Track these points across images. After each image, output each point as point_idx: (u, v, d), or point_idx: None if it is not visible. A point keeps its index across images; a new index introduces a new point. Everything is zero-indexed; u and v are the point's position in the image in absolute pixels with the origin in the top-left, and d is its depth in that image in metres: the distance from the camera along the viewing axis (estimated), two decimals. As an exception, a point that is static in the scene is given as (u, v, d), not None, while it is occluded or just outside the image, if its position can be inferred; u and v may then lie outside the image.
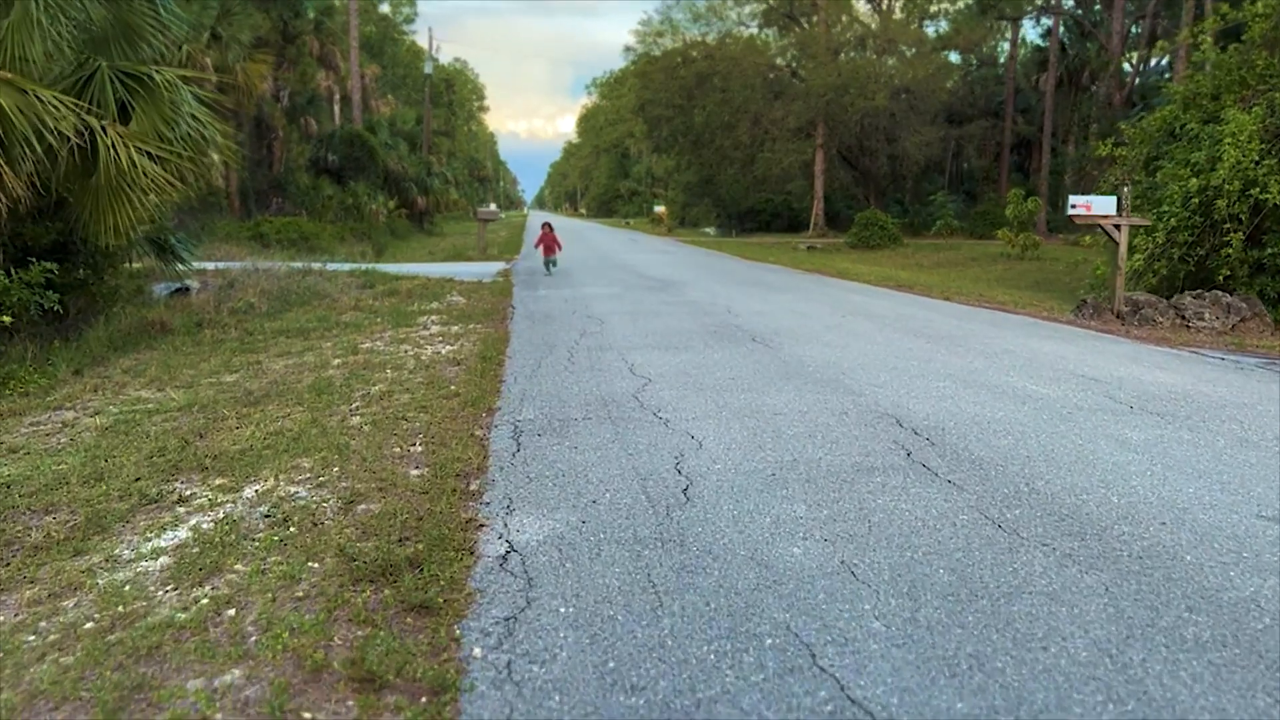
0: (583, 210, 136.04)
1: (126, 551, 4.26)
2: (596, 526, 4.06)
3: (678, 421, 6.23)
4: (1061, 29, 48.26)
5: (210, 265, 18.52)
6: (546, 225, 20.00)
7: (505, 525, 4.09)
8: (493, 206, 51.00)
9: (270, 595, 3.47)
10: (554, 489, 4.65)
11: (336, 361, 9.12)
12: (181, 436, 6.34)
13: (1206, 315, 11.84)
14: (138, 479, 5.37)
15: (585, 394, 7.07)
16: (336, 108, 52.76)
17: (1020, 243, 31.53)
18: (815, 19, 49.68)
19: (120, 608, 3.51)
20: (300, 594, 3.46)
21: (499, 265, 21.79)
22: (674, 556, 3.69)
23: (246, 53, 28.77)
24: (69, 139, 8.74)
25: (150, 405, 7.65)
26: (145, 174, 9.15)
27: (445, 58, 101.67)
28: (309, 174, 42.15)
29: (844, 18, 49.70)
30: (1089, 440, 5.69)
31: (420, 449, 5.60)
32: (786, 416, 6.28)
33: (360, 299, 14.81)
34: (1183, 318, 12.04)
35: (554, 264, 19.47)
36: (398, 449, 5.61)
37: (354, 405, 7.07)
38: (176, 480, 5.33)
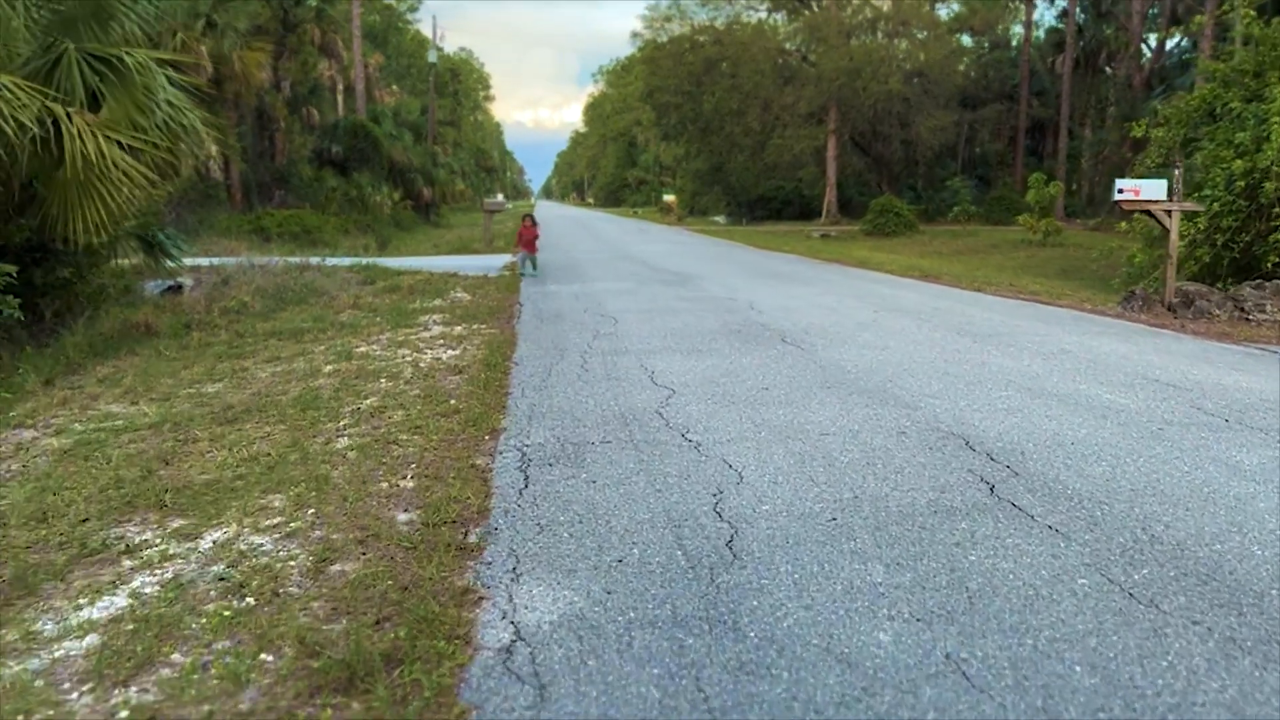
0: (590, 200, 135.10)
1: (50, 626, 3.46)
2: (624, 599, 3.24)
3: (710, 445, 5.40)
4: (1078, 9, 47.09)
5: (205, 261, 17.75)
6: (527, 218, 17.03)
7: (510, 598, 3.27)
8: (500, 197, 50.18)
9: (205, 711, 2.66)
10: (570, 541, 3.83)
11: (328, 369, 8.32)
12: (145, 464, 5.55)
13: (1268, 307, 10.95)
14: (85, 520, 4.59)
15: (602, 409, 6.24)
16: (340, 98, 51.92)
17: (1042, 228, 30.59)
18: (825, 2, 48.60)
19: (15, 724, 2.71)
20: (243, 709, 2.65)
21: (506, 258, 20.96)
22: (727, 649, 2.86)
23: (244, 41, 27.95)
24: (29, 129, 7.93)
25: (119, 422, 6.88)
26: (116, 165, 8.34)
27: (450, 47, 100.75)
28: (312, 166, 41.36)
29: (855, 0, 48.59)
30: (1196, 466, 4.85)
31: (411, 483, 4.79)
32: (835, 437, 5.45)
33: (359, 296, 14.02)
34: (1241, 310, 11.15)
35: (534, 264, 16.50)
36: (385, 484, 4.80)
37: (341, 424, 6.26)
38: (129, 522, 4.53)
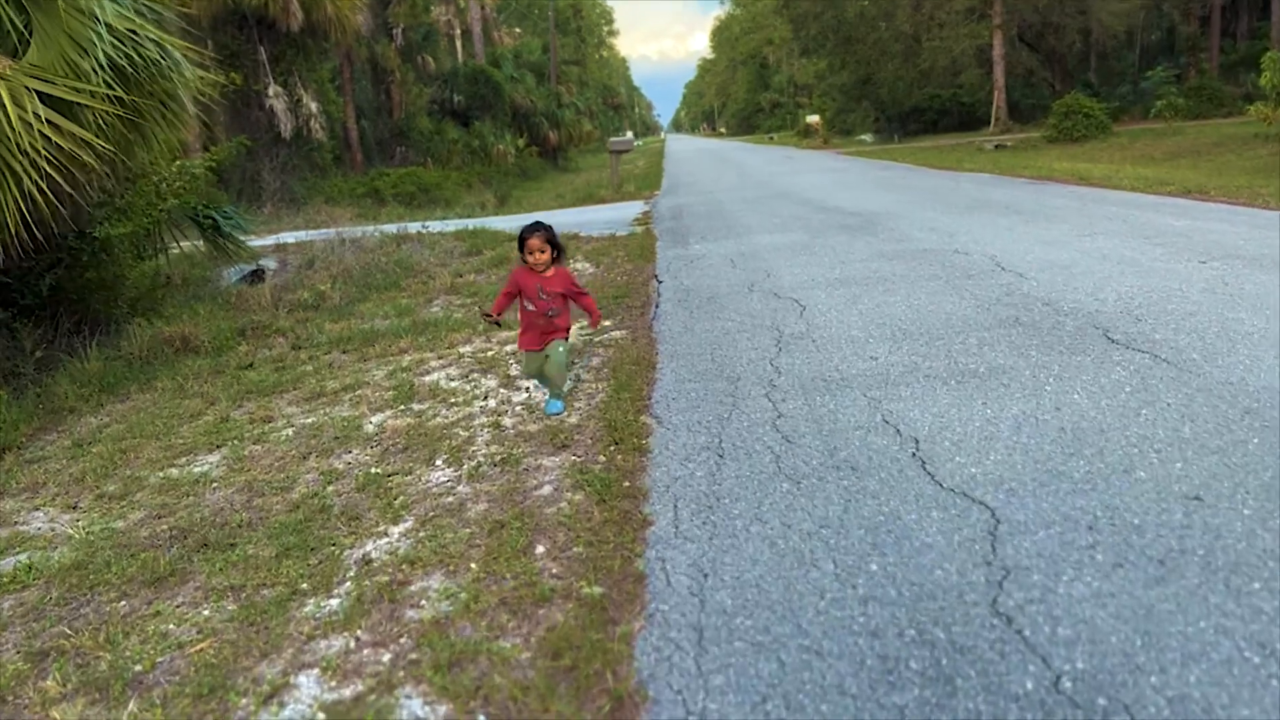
0: (721, 129, 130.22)
1: None
2: None
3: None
4: None
5: (293, 238, 15.24)
6: (537, 236, 5.03)
7: None
8: (628, 135, 46.73)
9: None
10: None
11: (373, 424, 5.36)
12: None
13: None
14: None
15: (862, 586, 2.92)
16: (458, 43, 49.36)
17: (1282, 118, 25.05)
18: (984, -125, 42.43)
19: None
20: None
21: (637, 207, 17.68)
22: None
23: (333, -19, 25.28)
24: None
25: (12, 564, 4.09)
26: (39, 131, 5.46)
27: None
28: (432, 118, 38.97)
29: None
30: None
31: None
32: None
33: (459, 274, 11.12)
34: None
35: (558, 385, 5.25)
36: None
37: (323, 607, 3.19)
38: None
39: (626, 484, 3.84)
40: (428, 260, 12.44)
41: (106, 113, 6.10)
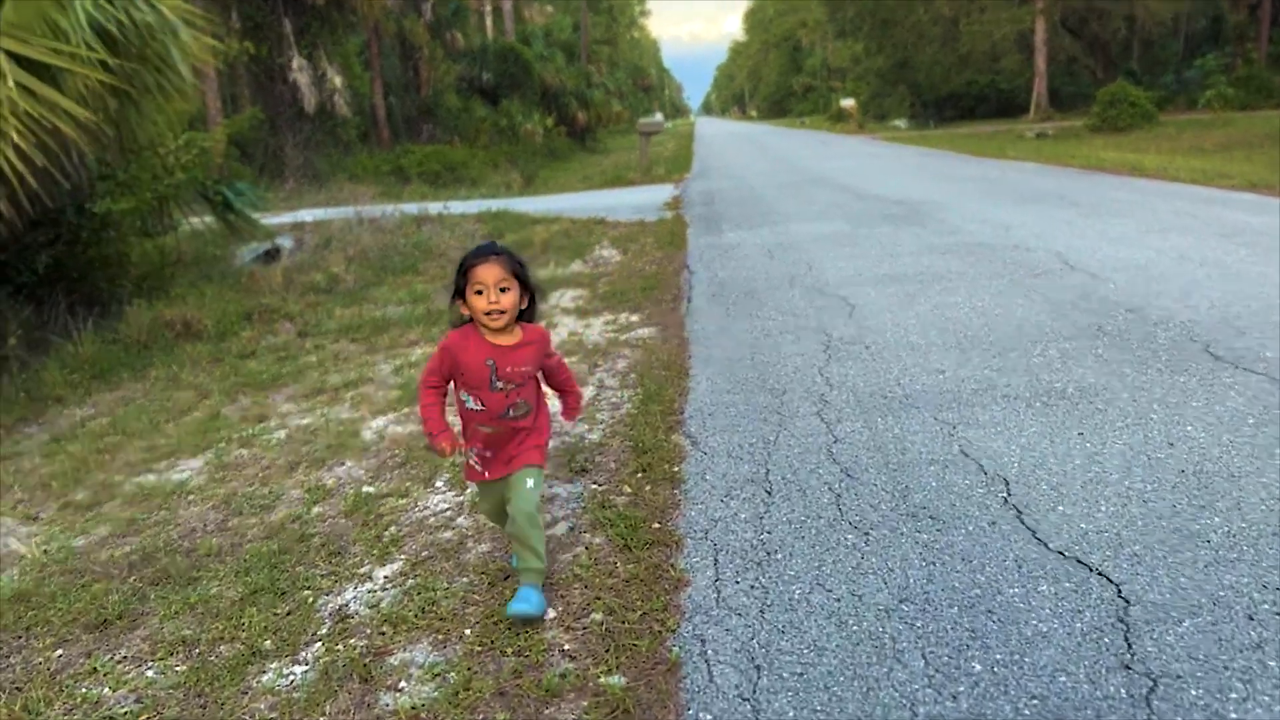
0: (752, 113, 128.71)
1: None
2: None
3: None
4: None
5: (311, 216, 14.68)
6: (493, 264, 2.71)
7: None
8: (658, 116, 45.83)
9: None
10: None
11: (370, 432, 4.78)
12: None
13: None
14: None
15: (965, 697, 2.29)
16: (488, 19, 48.63)
17: (1352, 109, 23.98)
18: None
19: None
20: None
21: (666, 190, 16.98)
22: None
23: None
24: None
25: None
26: (8, 96, 4.88)
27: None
28: (460, 95, 38.31)
29: None
30: None
31: None
32: None
33: (478, 259, 10.43)
34: None
35: (525, 530, 2.80)
36: None
37: (286, 680, 2.60)
38: None
39: (656, 526, 3.21)
40: (447, 243, 11.86)
41: (91, 79, 5.51)
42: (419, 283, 9.56)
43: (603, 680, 2.37)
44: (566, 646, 2.56)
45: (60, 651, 3.04)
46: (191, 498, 4.34)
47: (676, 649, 2.46)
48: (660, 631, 2.56)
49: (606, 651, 2.50)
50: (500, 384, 2.72)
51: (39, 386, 6.64)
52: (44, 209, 7.61)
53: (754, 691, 2.26)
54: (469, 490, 3.78)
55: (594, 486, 3.62)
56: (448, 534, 3.39)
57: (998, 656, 2.35)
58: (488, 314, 2.63)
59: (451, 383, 2.83)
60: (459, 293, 2.69)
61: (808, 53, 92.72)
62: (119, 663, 2.92)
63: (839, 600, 2.63)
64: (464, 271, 2.66)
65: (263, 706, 2.56)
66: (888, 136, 37.49)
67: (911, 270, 7.36)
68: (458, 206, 15.32)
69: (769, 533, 3.08)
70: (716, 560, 2.93)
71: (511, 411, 2.77)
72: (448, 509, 3.61)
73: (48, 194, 5.92)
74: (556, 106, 43.30)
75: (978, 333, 5.34)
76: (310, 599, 3.09)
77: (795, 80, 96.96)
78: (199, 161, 10.57)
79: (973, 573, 2.74)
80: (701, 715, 2.19)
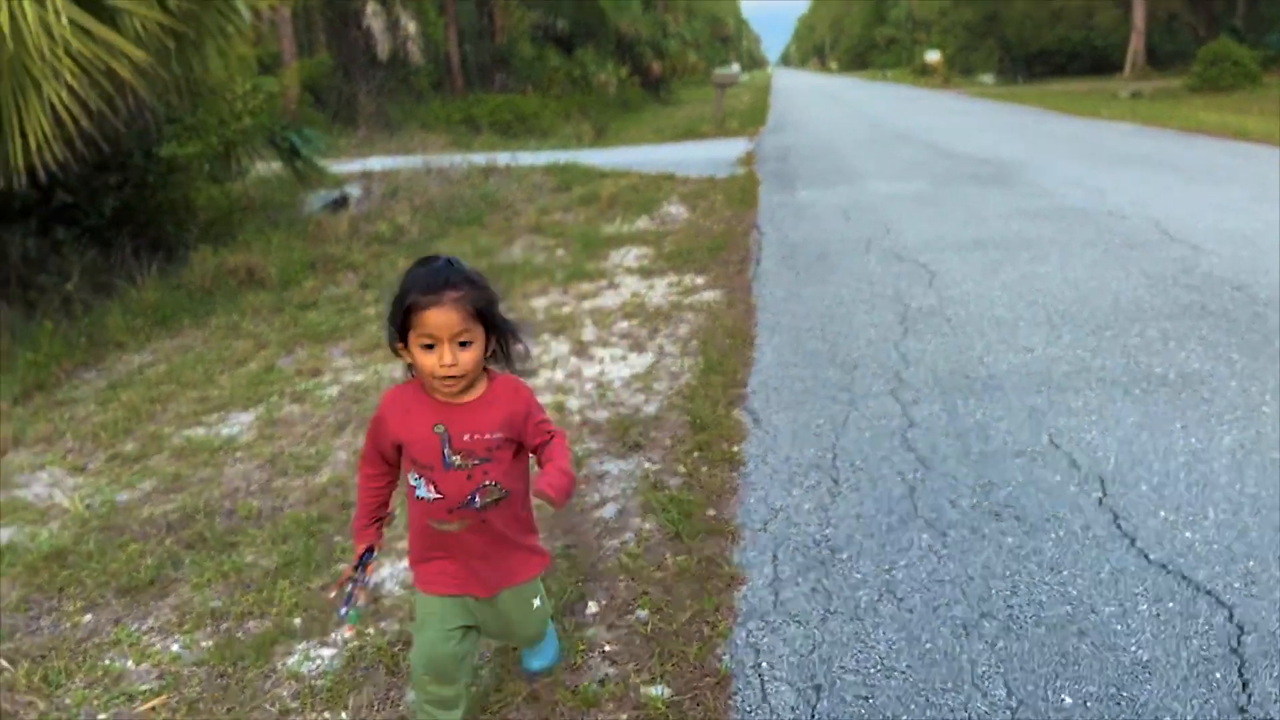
0: (832, 65, 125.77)
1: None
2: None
3: None
4: None
5: (380, 165, 14.60)
6: (446, 301, 1.79)
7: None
8: (734, 68, 44.84)
9: None
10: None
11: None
12: None
13: None
14: None
15: None
16: (564, -35, 47.93)
17: None
18: None
19: None
20: None
21: (740, 145, 16.50)
22: None
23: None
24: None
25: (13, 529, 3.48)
26: (63, 35, 4.75)
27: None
28: (533, 43, 37.94)
29: None
30: None
31: None
32: None
33: (545, 212, 10.33)
34: None
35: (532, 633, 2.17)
36: None
37: (312, 665, 2.46)
38: None
39: (711, 513, 2.97)
40: (514, 195, 11.68)
41: (149, 20, 5.37)
42: (483, 236, 9.41)
43: (645, 691, 2.15)
44: (608, 647, 2.35)
45: (89, 616, 2.94)
46: (238, 455, 4.24)
47: (728, 659, 2.23)
48: (711, 637, 2.33)
49: (651, 657, 2.28)
50: (457, 459, 1.86)
51: (101, 331, 6.63)
52: (112, 152, 7.59)
53: (811, 717, 2.02)
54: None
55: (647, 465, 3.39)
56: (490, 510, 3.20)
57: (1091, 689, 2.07)
58: (442, 379, 1.80)
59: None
60: (405, 323, 1.79)
61: (892, 3, 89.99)
62: (145, 633, 2.81)
63: (911, 611, 2.38)
64: (407, 310, 1.77)
65: (285, 694, 2.41)
66: (974, 92, 36.17)
67: (998, 235, 6.93)
68: (526, 158, 15.10)
69: (834, 527, 2.82)
70: (775, 556, 2.68)
71: (479, 499, 1.89)
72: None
73: (109, 137, 5.83)
74: (631, 56, 42.64)
75: (1069, 307, 4.95)
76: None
77: (878, 32, 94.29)
78: (267, 106, 10.50)
79: (1063, 585, 2.45)
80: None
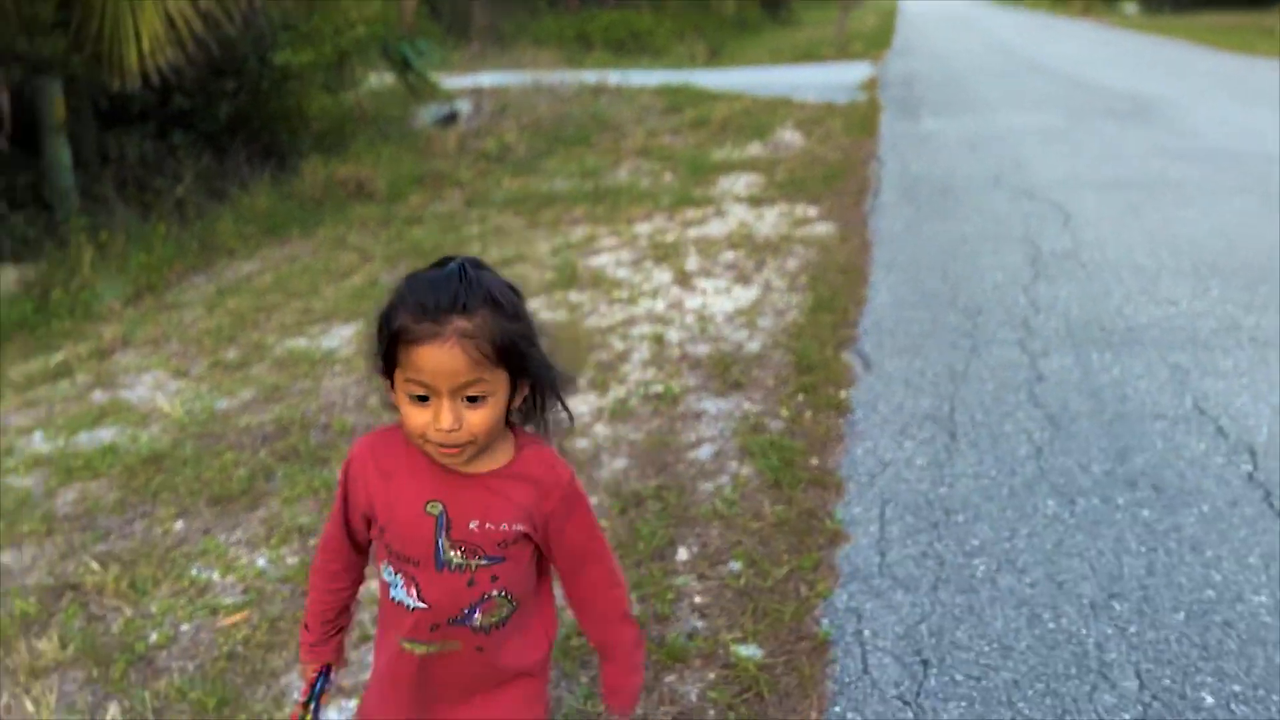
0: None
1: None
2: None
3: None
4: None
5: (490, 80, 14.50)
6: (450, 334, 1.12)
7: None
8: (859, -13, 42.91)
9: None
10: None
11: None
12: None
13: None
14: None
15: None
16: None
17: None
18: None
19: None
20: None
21: (862, 69, 15.79)
22: None
23: None
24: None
25: (112, 431, 3.60)
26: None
27: None
28: (651, -42, 37.04)
29: None
30: None
31: None
32: None
33: (654, 134, 10.10)
34: None
35: None
36: None
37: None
38: None
39: (814, 462, 2.78)
40: (623, 115, 11.44)
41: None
42: (590, 156, 9.25)
43: (735, 650, 2.01)
44: (697, 599, 2.21)
45: (180, 524, 2.94)
46: (337, 368, 4.23)
47: (826, 623, 2.07)
48: (809, 597, 2.17)
49: (743, 613, 2.13)
50: (456, 556, 1.25)
51: (212, 236, 6.74)
52: (227, 58, 7.64)
53: (918, 694, 1.85)
54: (611, 395, 3.45)
55: (747, 405, 3.21)
56: (582, 443, 3.08)
57: (1235, 688, 1.85)
58: (440, 446, 1.18)
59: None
60: (393, 353, 1.18)
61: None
62: (233, 545, 2.80)
63: (1033, 586, 2.16)
64: (393, 338, 1.17)
65: (365, 619, 2.36)
66: (1115, 22, 33.93)
67: (1139, 176, 6.42)
68: (638, 77, 14.76)
69: (949, 486, 2.61)
70: (883, 514, 2.49)
71: (479, 617, 1.27)
72: (585, 412, 3.29)
73: (224, 42, 5.82)
74: (751, -27, 41.30)
75: (1218, 258, 4.53)
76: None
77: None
78: (381, 16, 10.44)
79: (1206, 568, 2.21)
80: (850, 716, 1.81)
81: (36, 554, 2.64)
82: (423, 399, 1.15)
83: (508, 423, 1.25)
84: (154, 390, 4.14)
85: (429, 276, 1.17)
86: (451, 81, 13.47)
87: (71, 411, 3.75)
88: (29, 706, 1.95)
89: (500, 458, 1.25)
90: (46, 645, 2.28)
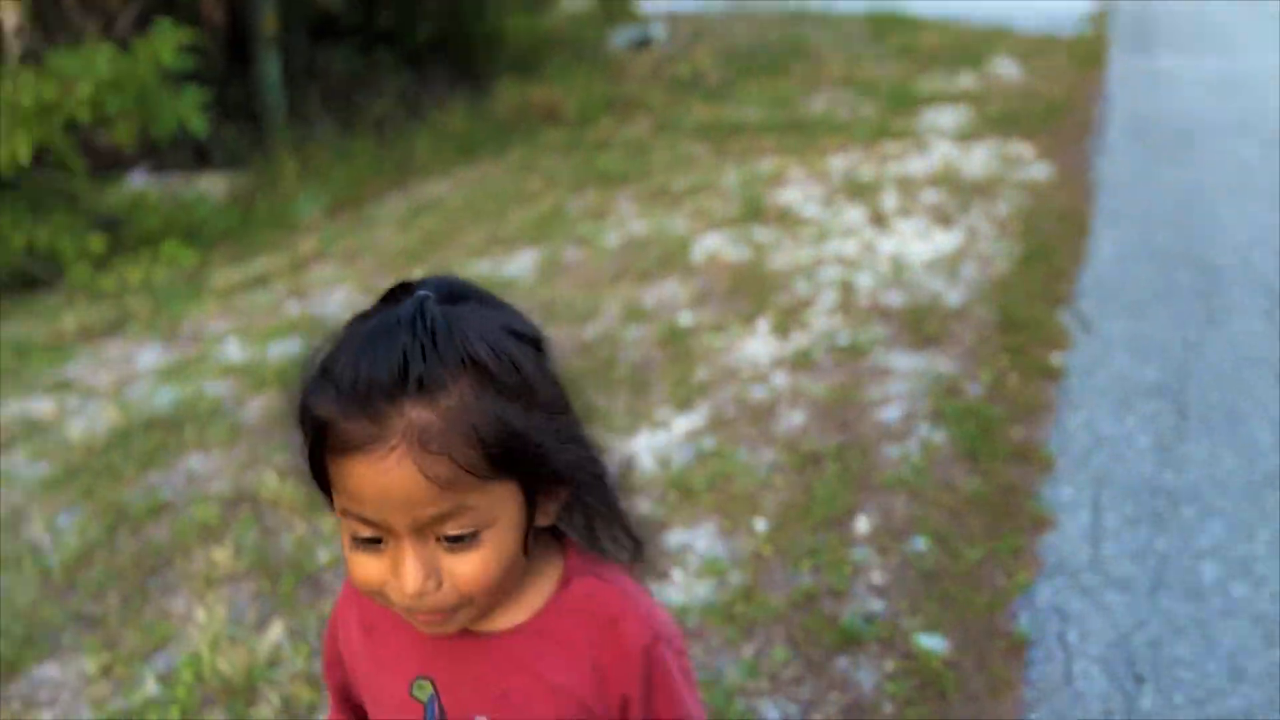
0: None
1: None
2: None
3: None
4: None
5: (690, 4, 14.21)
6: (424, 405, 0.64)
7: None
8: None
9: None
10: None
11: (702, 249, 4.44)
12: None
13: None
14: None
15: None
16: None
17: None
18: None
19: None
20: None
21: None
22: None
23: None
24: None
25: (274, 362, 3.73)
26: None
27: None
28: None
29: None
30: None
31: None
32: None
33: (856, 62, 9.64)
34: None
35: None
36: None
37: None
38: None
39: (1018, 433, 2.51)
40: (824, 42, 10.95)
41: None
42: (786, 84, 8.90)
43: (917, 640, 1.82)
44: (876, 578, 2.02)
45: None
46: (518, 295, 4.22)
47: (1025, 619, 1.85)
48: (1005, 588, 1.94)
49: (928, 598, 1.94)
50: None
51: (409, 154, 6.91)
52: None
53: (1129, 714, 1.62)
54: (794, 342, 3.25)
55: (942, 364, 2.94)
56: (759, 391, 2.90)
57: None
58: (407, 611, 0.72)
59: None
60: (317, 476, 0.72)
61: None
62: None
63: (1272, 600, 1.86)
64: (315, 439, 0.69)
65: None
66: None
67: None
68: (842, 3, 14.08)
69: (1177, 472, 2.29)
70: (1097, 499, 2.21)
71: None
72: (765, 360, 3.11)
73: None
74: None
75: None
76: (602, 437, 2.78)
77: None
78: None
79: None
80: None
81: (221, 463, 2.73)
82: (373, 541, 0.69)
83: (552, 530, 0.78)
84: (344, 306, 4.25)
85: (369, 327, 0.70)
86: (648, 4, 13.26)
87: (266, 322, 3.89)
88: (201, 615, 1.99)
89: (533, 599, 0.77)
90: (221, 555, 2.34)
